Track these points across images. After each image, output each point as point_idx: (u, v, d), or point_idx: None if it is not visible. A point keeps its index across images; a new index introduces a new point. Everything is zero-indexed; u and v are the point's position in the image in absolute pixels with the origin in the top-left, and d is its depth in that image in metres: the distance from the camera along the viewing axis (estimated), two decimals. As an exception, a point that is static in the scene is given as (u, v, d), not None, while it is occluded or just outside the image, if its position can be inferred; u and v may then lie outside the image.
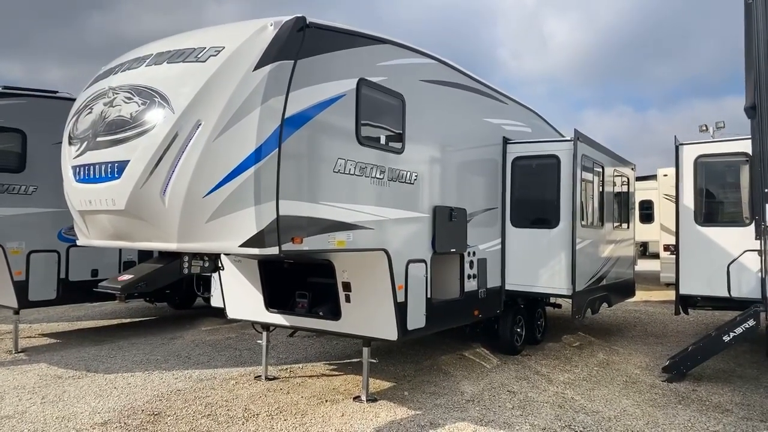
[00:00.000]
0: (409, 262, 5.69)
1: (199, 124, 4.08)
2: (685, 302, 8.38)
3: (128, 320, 10.80)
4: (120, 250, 8.88)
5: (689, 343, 7.95)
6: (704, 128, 25.64)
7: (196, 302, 11.87)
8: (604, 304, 8.86)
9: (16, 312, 7.94)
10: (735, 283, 7.37)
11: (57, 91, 8.37)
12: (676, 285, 8.02)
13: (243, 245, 4.10)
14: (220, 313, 10.80)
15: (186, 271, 4.84)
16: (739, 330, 6.41)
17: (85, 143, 4.60)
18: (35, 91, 8.14)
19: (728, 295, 7.43)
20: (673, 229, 12.18)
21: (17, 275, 7.65)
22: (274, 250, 4.16)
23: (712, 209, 8.03)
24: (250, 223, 4.07)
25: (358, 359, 7.48)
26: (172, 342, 8.76)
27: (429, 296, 5.99)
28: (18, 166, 7.76)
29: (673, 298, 13.66)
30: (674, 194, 11.79)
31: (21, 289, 7.69)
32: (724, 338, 6.50)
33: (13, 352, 7.93)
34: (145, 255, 9.28)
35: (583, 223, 7.72)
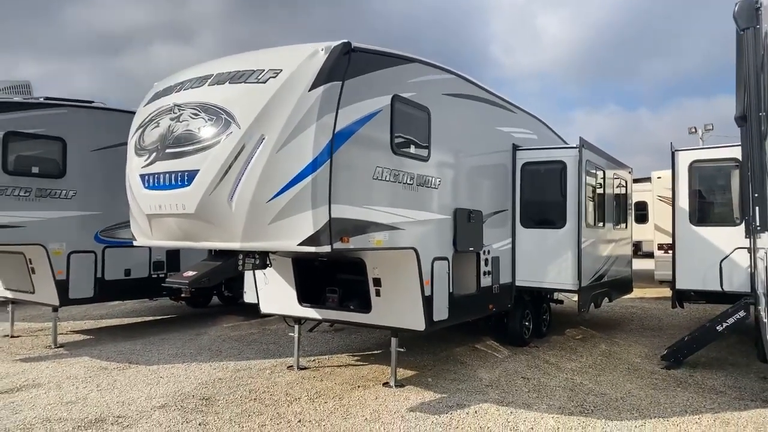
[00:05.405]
0: (435, 259, 6.28)
1: (263, 139, 4.64)
2: (681, 297, 9.02)
3: (150, 318, 11.31)
4: (150, 250, 9.40)
5: (684, 334, 8.61)
6: (693, 130, 26.15)
7: (211, 301, 12.43)
8: (606, 299, 9.49)
9: (55, 309, 8.44)
10: (727, 278, 8.00)
11: (93, 101, 8.90)
12: (672, 281, 8.66)
13: (301, 244, 4.68)
14: (238, 310, 11.46)
15: (241, 267, 5.40)
16: (731, 320, 7.05)
17: (154, 154, 5.14)
18: (73, 102, 8.65)
19: (721, 290, 8.06)
20: (667, 229, 12.92)
21: (59, 274, 8.14)
22: (326, 248, 4.73)
23: (706, 210, 8.67)
24: (307, 225, 4.64)
25: (379, 350, 8.12)
26: (199, 338, 9.28)
27: (451, 291, 6.59)
28: (59, 172, 8.25)
29: (668, 295, 14.50)
30: (668, 196, 12.57)
31: (62, 287, 8.19)
32: (717, 328, 7.13)
33: (53, 347, 8.42)
34: (171, 255, 9.85)
35: (588, 223, 8.34)
